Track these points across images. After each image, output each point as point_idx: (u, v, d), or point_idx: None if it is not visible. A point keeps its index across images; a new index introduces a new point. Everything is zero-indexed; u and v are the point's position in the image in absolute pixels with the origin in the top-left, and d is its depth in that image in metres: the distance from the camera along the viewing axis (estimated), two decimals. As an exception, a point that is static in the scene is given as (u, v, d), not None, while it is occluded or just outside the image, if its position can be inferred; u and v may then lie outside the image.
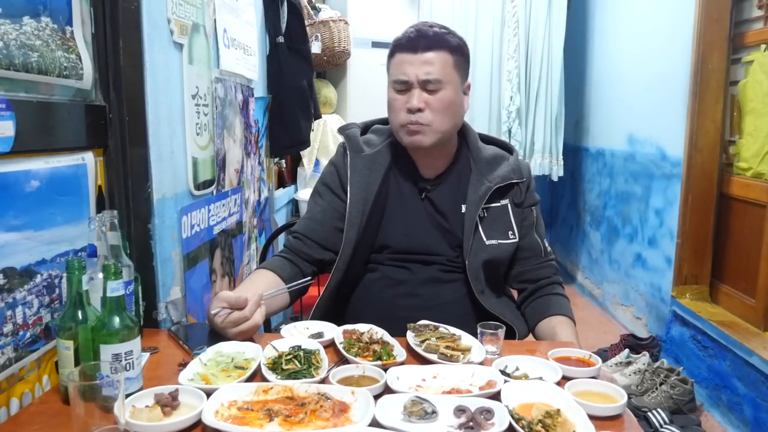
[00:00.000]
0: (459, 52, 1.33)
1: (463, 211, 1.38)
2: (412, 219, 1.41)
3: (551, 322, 1.36)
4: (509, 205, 1.41)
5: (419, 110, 1.29)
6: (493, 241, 1.38)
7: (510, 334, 1.37)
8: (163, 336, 1.28)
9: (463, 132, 1.45)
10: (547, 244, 1.47)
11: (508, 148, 1.48)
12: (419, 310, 1.34)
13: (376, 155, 1.41)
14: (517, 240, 1.41)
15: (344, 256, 1.39)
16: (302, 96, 2.67)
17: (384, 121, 1.48)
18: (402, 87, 1.31)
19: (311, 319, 1.41)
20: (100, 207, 1.20)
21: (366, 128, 1.50)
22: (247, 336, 1.19)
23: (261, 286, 1.30)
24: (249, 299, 1.18)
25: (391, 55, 1.35)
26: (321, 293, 1.44)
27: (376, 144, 1.44)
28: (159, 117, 1.40)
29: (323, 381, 1.02)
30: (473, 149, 1.43)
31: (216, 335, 1.20)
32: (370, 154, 1.41)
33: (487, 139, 1.49)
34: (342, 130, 1.49)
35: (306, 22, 2.87)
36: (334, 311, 1.46)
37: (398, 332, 1.22)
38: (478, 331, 1.18)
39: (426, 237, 1.40)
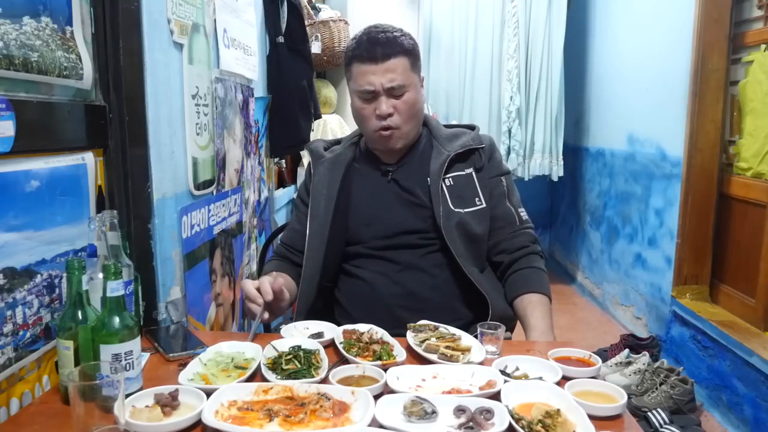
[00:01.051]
0: (413, 53, 1.40)
1: (429, 183, 1.43)
2: (380, 202, 1.46)
3: (523, 302, 1.39)
4: (473, 172, 1.46)
5: (389, 115, 1.37)
6: (460, 210, 1.42)
7: (485, 309, 1.38)
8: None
9: (425, 121, 1.53)
10: (522, 213, 1.49)
11: (469, 127, 1.54)
12: (403, 298, 1.39)
13: (336, 157, 1.50)
14: (484, 206, 1.44)
15: (313, 246, 1.44)
16: (302, 96, 2.67)
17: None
18: (368, 96, 1.37)
19: (297, 314, 1.45)
20: (100, 207, 1.20)
21: (336, 143, 1.59)
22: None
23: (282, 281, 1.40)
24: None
25: (348, 64, 1.40)
26: (299, 289, 1.46)
27: (337, 150, 1.53)
28: (159, 117, 1.40)
29: (323, 381, 1.02)
30: (434, 131, 1.50)
31: (192, 340, 1.22)
32: (330, 158, 1.51)
33: (450, 127, 1.57)
34: (307, 146, 1.59)
35: (306, 22, 2.87)
36: (321, 308, 1.48)
37: (385, 323, 1.25)
38: (478, 331, 1.19)
39: (396, 215, 1.44)
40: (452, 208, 1.41)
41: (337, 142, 1.59)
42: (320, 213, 1.45)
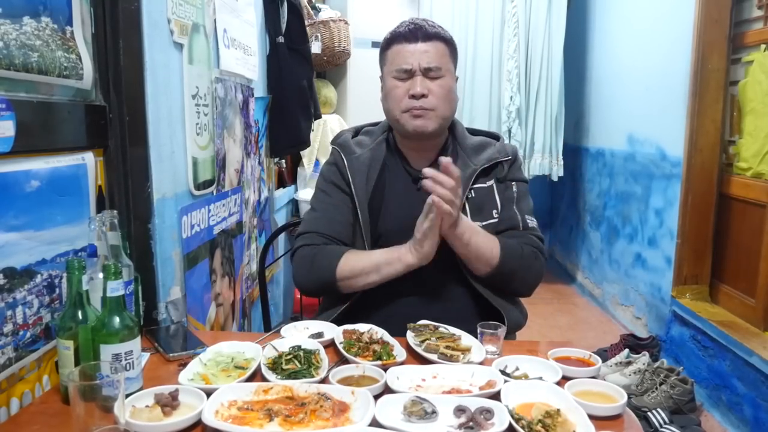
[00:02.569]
0: (451, 44, 1.39)
1: None
2: (410, 209, 1.41)
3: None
4: (494, 184, 1.44)
5: (423, 96, 1.33)
6: (479, 222, 1.39)
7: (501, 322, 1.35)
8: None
9: (450, 125, 1.49)
10: (529, 221, 1.44)
11: (494, 136, 1.51)
12: (419, 307, 1.36)
13: (370, 153, 1.45)
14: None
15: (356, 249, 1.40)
16: (302, 96, 2.67)
17: (373, 123, 1.53)
18: (404, 75, 1.35)
19: (321, 315, 1.42)
20: (100, 207, 1.20)
21: (357, 132, 1.54)
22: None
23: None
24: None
25: (386, 47, 1.39)
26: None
27: (368, 144, 1.47)
28: (159, 117, 1.40)
29: (323, 381, 1.02)
30: (460, 138, 1.47)
31: (192, 340, 1.22)
32: (364, 154, 1.45)
33: (475, 132, 1.53)
34: (334, 141, 1.51)
35: (306, 22, 2.87)
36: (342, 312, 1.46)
37: (397, 331, 1.23)
38: (478, 331, 1.19)
39: None
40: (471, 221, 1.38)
41: (357, 131, 1.53)
42: (365, 218, 1.41)
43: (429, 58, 1.33)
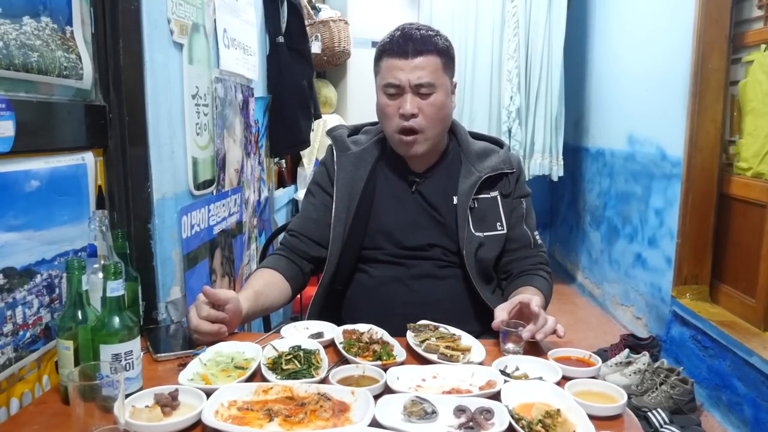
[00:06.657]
0: (446, 54, 1.34)
1: (454, 202, 1.40)
2: (402, 212, 1.42)
3: (520, 290, 1.34)
4: (498, 196, 1.43)
5: (413, 115, 1.31)
6: (480, 234, 1.39)
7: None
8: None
9: (453, 128, 1.48)
10: (537, 237, 1.47)
11: (498, 143, 1.50)
12: (416, 307, 1.36)
13: (362, 153, 1.44)
14: (504, 231, 1.42)
15: (334, 251, 1.41)
16: (302, 96, 2.67)
17: (374, 123, 1.52)
18: (394, 91, 1.32)
19: (308, 317, 1.43)
20: (100, 207, 1.20)
21: (356, 130, 1.53)
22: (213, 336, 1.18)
23: (259, 286, 1.33)
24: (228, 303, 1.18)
25: (378, 59, 1.36)
26: (315, 291, 1.45)
27: (363, 142, 1.47)
28: (159, 117, 1.39)
29: (323, 381, 1.02)
30: (463, 144, 1.46)
31: (189, 341, 1.20)
32: (356, 152, 1.44)
33: (478, 136, 1.52)
34: (330, 132, 1.52)
35: (306, 22, 2.87)
36: (330, 310, 1.47)
37: (395, 330, 1.23)
38: (501, 330, 1.18)
39: (418, 230, 1.41)
40: (473, 231, 1.38)
41: (356, 129, 1.53)
42: (342, 215, 1.40)
43: (420, 74, 1.29)
